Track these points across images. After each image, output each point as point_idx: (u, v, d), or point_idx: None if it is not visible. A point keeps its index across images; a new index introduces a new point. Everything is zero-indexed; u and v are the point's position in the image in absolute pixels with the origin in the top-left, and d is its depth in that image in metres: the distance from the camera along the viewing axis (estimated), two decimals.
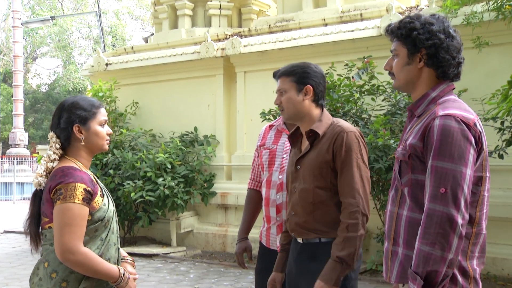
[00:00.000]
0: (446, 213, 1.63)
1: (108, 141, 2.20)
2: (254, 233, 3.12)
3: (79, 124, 2.10)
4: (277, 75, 2.46)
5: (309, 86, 2.36)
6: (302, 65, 2.41)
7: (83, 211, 1.99)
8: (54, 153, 2.09)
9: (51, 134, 2.13)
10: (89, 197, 2.02)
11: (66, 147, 2.13)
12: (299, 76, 2.37)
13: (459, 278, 1.71)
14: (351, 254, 2.10)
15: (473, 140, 1.70)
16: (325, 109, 2.42)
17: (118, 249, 2.20)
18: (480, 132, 1.74)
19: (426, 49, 1.83)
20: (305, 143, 2.38)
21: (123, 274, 2.09)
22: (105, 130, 2.18)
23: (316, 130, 2.30)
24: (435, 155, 1.69)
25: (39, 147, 18.97)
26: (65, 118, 2.11)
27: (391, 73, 1.96)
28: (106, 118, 2.20)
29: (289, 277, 2.38)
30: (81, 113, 2.11)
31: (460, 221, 1.64)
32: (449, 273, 1.65)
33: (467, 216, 1.67)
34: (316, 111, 2.38)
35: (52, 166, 2.08)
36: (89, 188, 2.02)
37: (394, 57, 1.92)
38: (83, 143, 2.11)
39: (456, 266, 1.70)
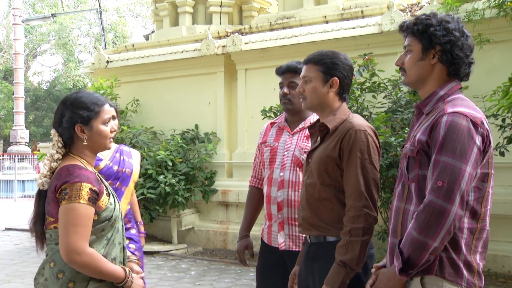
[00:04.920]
0: (439, 205, 1.68)
1: (111, 140, 2.16)
2: (256, 231, 3.12)
3: (81, 125, 2.06)
4: (303, 61, 2.36)
5: (336, 78, 2.25)
6: (332, 54, 2.29)
7: (89, 211, 1.95)
8: (57, 152, 2.05)
9: (53, 132, 2.09)
10: (95, 197, 1.98)
11: (70, 145, 2.10)
12: (327, 66, 2.26)
13: (465, 272, 1.76)
14: (354, 258, 2.06)
15: (478, 138, 1.73)
16: (344, 103, 2.31)
17: (124, 248, 2.17)
18: (487, 130, 1.78)
19: (441, 45, 1.86)
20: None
21: (129, 274, 2.06)
22: (109, 128, 2.13)
23: (327, 124, 2.23)
24: (438, 150, 1.73)
25: (40, 144, 19.02)
26: (67, 117, 2.06)
27: (402, 69, 1.97)
28: (110, 115, 2.14)
29: (300, 277, 2.37)
30: (84, 113, 2.05)
31: (452, 215, 1.68)
32: (431, 259, 1.73)
33: (461, 212, 1.70)
34: (337, 104, 2.29)
35: (56, 166, 2.05)
36: (95, 188, 1.98)
37: (407, 53, 1.94)
38: (85, 143, 2.07)
39: (462, 261, 1.76)
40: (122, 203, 3.32)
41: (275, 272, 2.73)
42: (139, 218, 3.61)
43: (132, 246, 3.38)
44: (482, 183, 1.79)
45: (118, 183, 3.36)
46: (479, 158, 1.74)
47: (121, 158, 3.43)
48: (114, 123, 3.17)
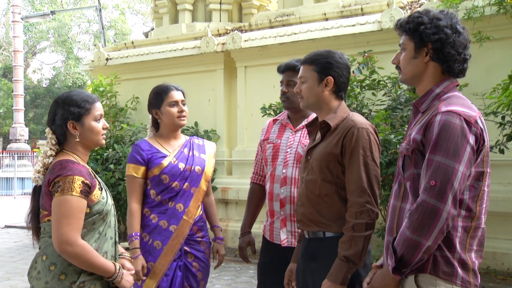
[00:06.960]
0: (432, 204, 1.69)
1: (104, 136, 2.21)
2: (257, 228, 3.12)
3: (73, 121, 2.12)
4: (301, 62, 2.40)
5: (330, 77, 2.29)
6: (326, 54, 2.33)
7: (81, 204, 2.01)
8: (50, 149, 2.13)
9: (47, 129, 2.17)
10: (87, 190, 2.04)
11: (63, 142, 2.16)
12: (321, 66, 2.30)
13: (459, 270, 1.76)
14: (357, 253, 2.08)
15: (471, 137, 1.73)
16: (343, 102, 2.35)
17: (116, 243, 2.22)
18: (481, 129, 1.77)
19: (432, 43, 1.86)
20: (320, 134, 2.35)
21: (119, 270, 2.10)
22: (101, 124, 2.19)
23: (329, 122, 2.26)
24: (431, 149, 1.74)
25: (40, 142, 19.01)
26: (59, 115, 2.13)
27: (398, 67, 1.99)
28: (102, 112, 2.21)
29: (297, 274, 2.39)
30: (75, 109, 2.12)
31: (445, 214, 1.68)
32: (424, 258, 1.74)
33: (454, 211, 1.70)
34: (335, 103, 2.32)
35: (49, 162, 2.11)
36: (87, 181, 2.04)
37: (402, 51, 1.96)
38: (78, 139, 2.14)
39: (456, 259, 1.76)
40: (191, 207, 2.85)
41: (277, 268, 2.73)
42: (217, 223, 3.10)
43: (195, 265, 2.87)
44: (477, 182, 1.79)
45: (185, 183, 2.83)
46: (472, 157, 1.74)
47: (190, 153, 2.89)
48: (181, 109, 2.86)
